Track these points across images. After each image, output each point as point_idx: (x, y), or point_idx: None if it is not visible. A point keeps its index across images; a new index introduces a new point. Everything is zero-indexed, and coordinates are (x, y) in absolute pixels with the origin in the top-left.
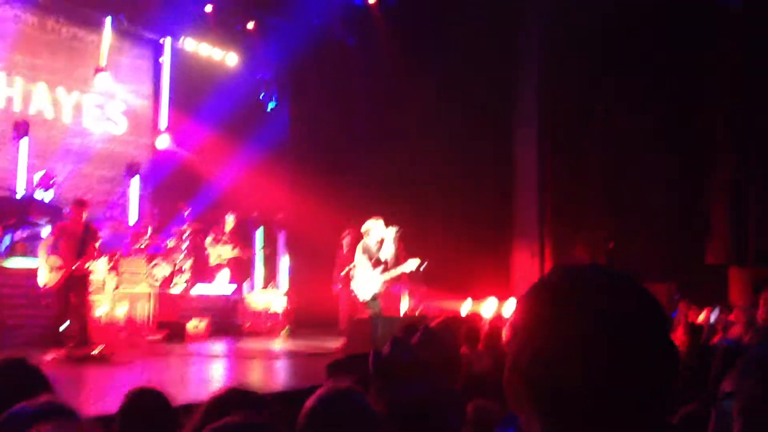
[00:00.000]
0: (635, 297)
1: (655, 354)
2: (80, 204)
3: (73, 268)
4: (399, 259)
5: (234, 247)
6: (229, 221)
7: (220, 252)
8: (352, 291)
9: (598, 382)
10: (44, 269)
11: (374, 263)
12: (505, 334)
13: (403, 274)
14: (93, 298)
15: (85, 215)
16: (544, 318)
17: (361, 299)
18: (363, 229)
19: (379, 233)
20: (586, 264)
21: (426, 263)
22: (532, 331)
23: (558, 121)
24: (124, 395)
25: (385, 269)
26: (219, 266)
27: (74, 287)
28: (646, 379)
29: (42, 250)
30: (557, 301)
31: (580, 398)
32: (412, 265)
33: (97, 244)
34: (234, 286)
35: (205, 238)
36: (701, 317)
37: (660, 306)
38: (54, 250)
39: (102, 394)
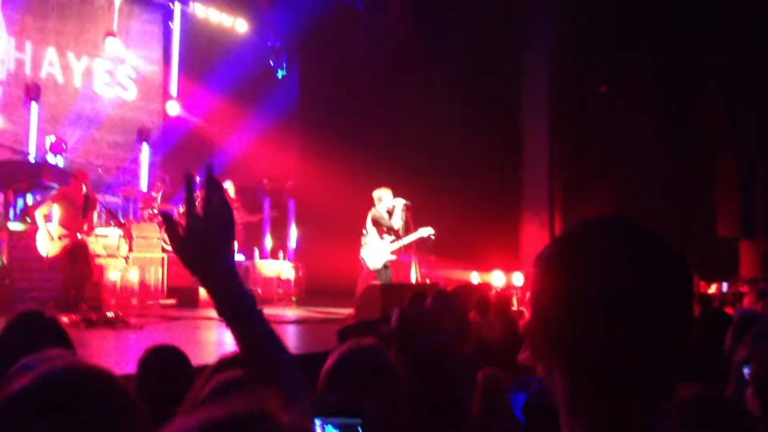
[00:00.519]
0: (661, 254)
1: (673, 316)
2: (80, 175)
3: (80, 237)
4: (409, 229)
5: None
6: (229, 188)
7: None
8: (362, 260)
9: (616, 337)
10: (45, 237)
11: (383, 232)
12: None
13: (413, 244)
14: (106, 262)
15: (84, 186)
16: (567, 269)
17: (371, 267)
18: (375, 196)
19: (388, 201)
20: (612, 216)
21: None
22: (555, 281)
23: (568, 93)
24: (143, 352)
25: (396, 238)
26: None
27: (79, 255)
28: (661, 339)
29: (40, 217)
30: (580, 252)
31: (597, 351)
32: (424, 232)
33: (95, 214)
34: (241, 255)
35: None
36: (713, 289)
37: (685, 266)
38: (50, 217)
39: (117, 355)
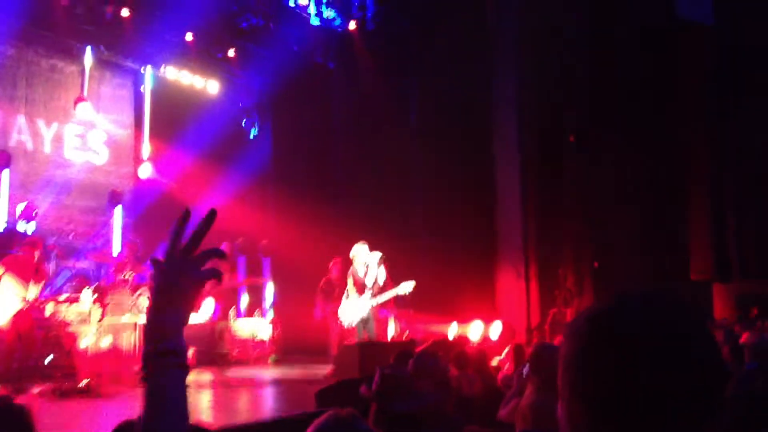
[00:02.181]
0: (695, 339)
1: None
2: (33, 244)
3: (35, 304)
4: (386, 284)
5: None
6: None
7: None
8: (338, 318)
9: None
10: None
11: (360, 288)
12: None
13: (391, 299)
14: (78, 329)
15: (37, 255)
16: (598, 350)
17: (345, 325)
18: (351, 254)
19: (364, 257)
20: (647, 291)
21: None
22: (587, 359)
23: (539, 143)
24: (112, 430)
25: (375, 294)
26: (204, 294)
27: (22, 323)
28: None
29: None
30: (612, 332)
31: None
32: (407, 287)
33: (39, 285)
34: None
35: None
36: None
37: (718, 352)
38: None
39: (89, 427)
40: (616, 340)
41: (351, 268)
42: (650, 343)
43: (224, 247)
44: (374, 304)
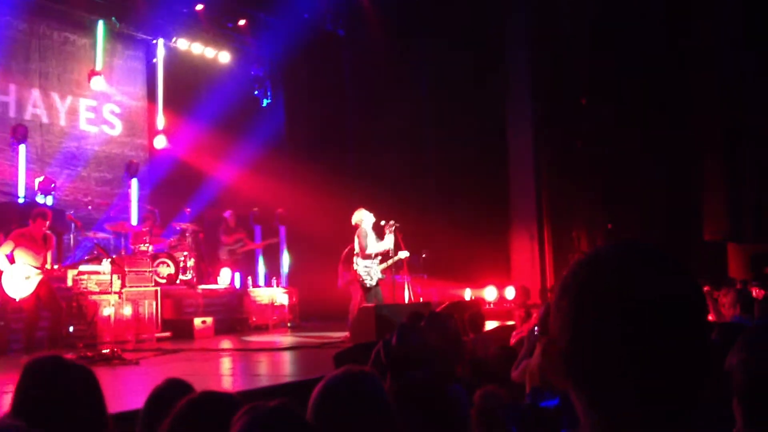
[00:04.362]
0: (678, 282)
1: (690, 353)
2: (42, 215)
3: (54, 272)
4: (398, 250)
5: (242, 240)
6: (229, 218)
7: (233, 248)
8: (359, 277)
9: (633, 367)
10: (12, 280)
11: (364, 254)
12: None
13: (404, 264)
14: (99, 298)
15: (47, 225)
16: (582, 296)
17: (367, 285)
18: (355, 220)
19: (369, 220)
20: (627, 241)
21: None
22: (570, 308)
23: (551, 106)
24: (153, 389)
25: (383, 260)
26: (222, 263)
27: (41, 293)
28: (679, 373)
29: (2, 258)
30: (596, 280)
31: (614, 380)
32: (401, 255)
33: (48, 254)
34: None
35: (205, 236)
36: None
37: (702, 298)
38: (12, 258)
39: (116, 393)
40: (591, 299)
41: (359, 231)
42: (622, 300)
43: (228, 214)
44: (383, 267)
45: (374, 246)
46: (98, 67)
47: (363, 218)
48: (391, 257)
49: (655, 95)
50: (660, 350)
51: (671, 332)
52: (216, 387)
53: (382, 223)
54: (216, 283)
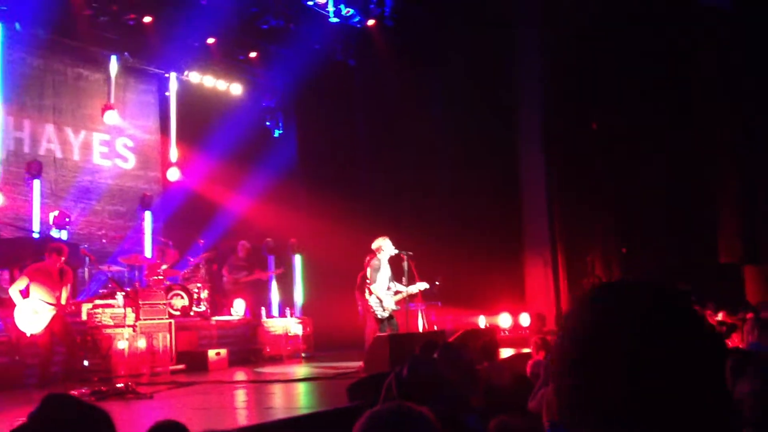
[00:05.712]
0: (685, 323)
1: (705, 394)
2: (57, 250)
3: (69, 308)
4: (412, 280)
5: (251, 272)
6: (241, 249)
7: (237, 277)
8: (371, 308)
9: (639, 405)
10: (25, 315)
11: (387, 281)
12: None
13: (419, 292)
14: (113, 332)
15: (62, 260)
16: (590, 334)
17: (379, 316)
18: (375, 245)
19: (390, 250)
20: (636, 280)
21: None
22: (578, 346)
23: (563, 132)
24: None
25: (397, 292)
26: (236, 295)
27: (56, 327)
28: (693, 414)
29: (16, 293)
30: (604, 318)
31: (621, 418)
32: (419, 286)
33: (66, 288)
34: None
35: (218, 267)
36: (719, 317)
37: (715, 337)
38: (26, 293)
39: (128, 429)
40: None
41: (374, 260)
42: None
43: (241, 245)
44: (398, 299)
45: (382, 283)
46: (111, 101)
47: (383, 248)
48: (406, 288)
49: (667, 118)
50: (674, 411)
51: (685, 395)
52: (228, 422)
53: (396, 251)
54: (230, 314)
